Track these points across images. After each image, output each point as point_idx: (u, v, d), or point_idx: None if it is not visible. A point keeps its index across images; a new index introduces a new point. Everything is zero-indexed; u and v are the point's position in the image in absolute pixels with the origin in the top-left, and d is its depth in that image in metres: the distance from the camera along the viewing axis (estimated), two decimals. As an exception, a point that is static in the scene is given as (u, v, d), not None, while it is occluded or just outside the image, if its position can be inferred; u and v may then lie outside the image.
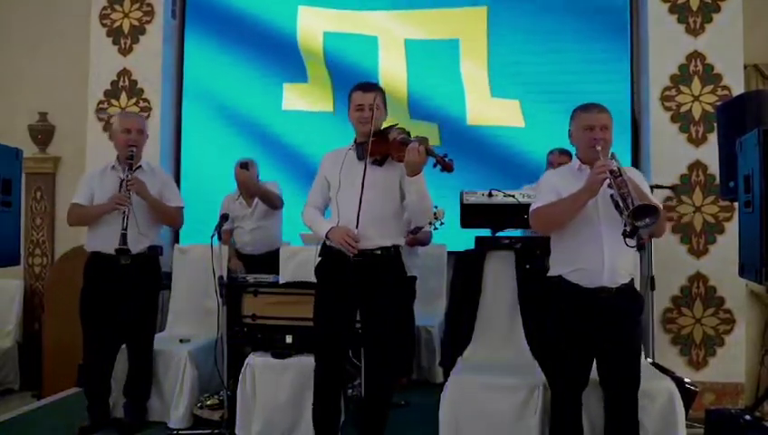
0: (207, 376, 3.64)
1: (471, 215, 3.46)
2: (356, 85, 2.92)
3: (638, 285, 3.23)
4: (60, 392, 4.16)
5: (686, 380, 3.14)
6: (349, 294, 2.82)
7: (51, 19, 5.42)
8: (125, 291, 3.36)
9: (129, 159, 3.37)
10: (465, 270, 3.41)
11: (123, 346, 3.49)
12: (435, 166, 2.63)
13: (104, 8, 4.98)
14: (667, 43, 4.37)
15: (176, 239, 4.91)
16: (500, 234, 3.48)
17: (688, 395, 2.99)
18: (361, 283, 2.79)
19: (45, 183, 5.40)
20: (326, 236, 2.82)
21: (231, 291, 3.43)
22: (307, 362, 3.04)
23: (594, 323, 2.57)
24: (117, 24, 4.96)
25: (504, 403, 2.84)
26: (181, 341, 3.76)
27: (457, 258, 3.69)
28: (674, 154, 4.31)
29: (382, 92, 2.91)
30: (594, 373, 2.66)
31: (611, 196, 2.47)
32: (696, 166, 4.28)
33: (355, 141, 2.90)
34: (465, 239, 3.71)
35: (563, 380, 2.67)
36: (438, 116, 4.99)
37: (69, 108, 5.23)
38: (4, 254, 2.84)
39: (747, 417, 2.83)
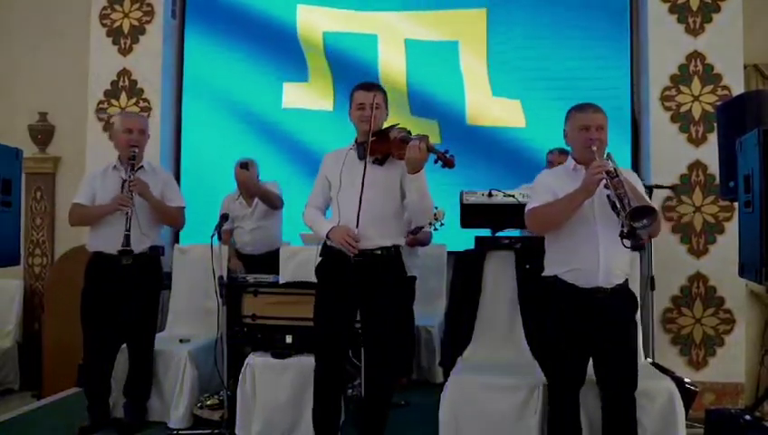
0: (207, 376, 3.64)
1: (471, 215, 3.46)
2: (357, 85, 2.93)
3: (637, 285, 3.25)
4: (60, 392, 4.16)
5: (686, 380, 3.13)
6: (349, 294, 2.82)
7: (51, 19, 5.42)
8: (127, 291, 3.36)
9: (131, 159, 3.37)
10: (465, 270, 3.41)
11: (123, 346, 3.49)
12: (436, 162, 2.64)
13: (104, 8, 4.98)
14: (667, 43, 4.37)
15: (176, 239, 4.91)
16: (500, 234, 3.48)
17: (688, 395, 2.99)
18: (361, 283, 2.79)
19: (45, 183, 5.40)
20: (327, 236, 2.83)
21: (231, 291, 3.43)
22: (307, 362, 3.04)
23: (590, 323, 2.58)
24: (117, 23, 4.96)
25: (504, 403, 2.84)
26: (181, 341, 3.76)
27: (457, 258, 3.69)
28: (674, 154, 4.31)
29: (383, 92, 2.92)
30: (591, 373, 2.66)
31: (608, 196, 2.47)
32: (696, 166, 4.28)
33: (356, 141, 2.91)
34: (465, 239, 3.71)
35: (561, 379, 2.67)
36: (439, 113, 4.99)
37: (69, 108, 5.23)
38: (4, 254, 2.84)
39: (747, 417, 2.82)
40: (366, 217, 2.74)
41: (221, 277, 3.29)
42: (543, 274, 2.73)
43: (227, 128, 5.22)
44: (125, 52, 4.96)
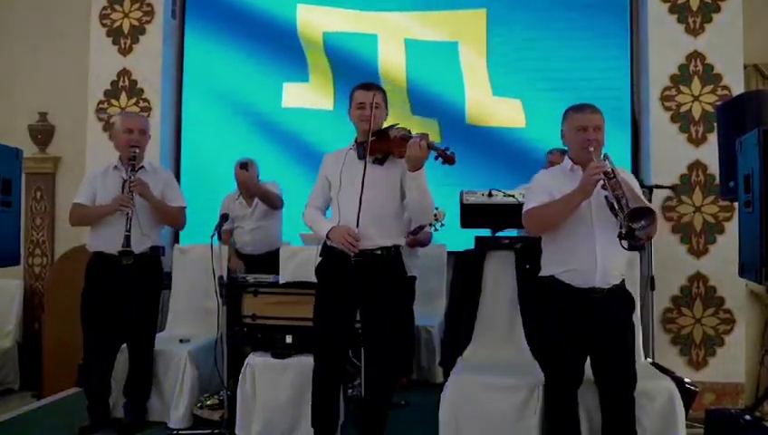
0: (207, 376, 3.64)
1: (471, 215, 3.46)
2: (357, 85, 2.94)
3: (637, 285, 3.25)
4: (60, 392, 4.16)
5: (686, 380, 3.13)
6: (349, 294, 2.82)
7: (51, 19, 5.42)
8: (127, 291, 3.36)
9: (132, 159, 3.36)
10: (465, 270, 3.41)
11: (123, 346, 3.49)
12: (436, 159, 2.65)
13: (104, 8, 4.97)
14: (667, 43, 4.37)
15: (176, 239, 4.91)
16: (500, 234, 3.48)
17: (688, 395, 2.99)
18: (361, 283, 2.80)
19: (45, 183, 5.40)
20: (327, 236, 2.83)
21: (231, 291, 3.42)
22: (307, 362, 3.04)
23: (587, 323, 2.58)
24: (117, 24, 4.96)
25: (504, 403, 2.84)
26: (181, 341, 3.76)
27: (457, 258, 3.69)
28: (674, 154, 4.31)
29: (383, 92, 2.92)
30: (589, 372, 2.66)
31: (606, 197, 2.47)
32: (696, 166, 4.28)
33: (356, 141, 2.91)
34: (465, 239, 3.71)
35: (560, 378, 2.67)
36: (439, 112, 5.00)
37: (69, 108, 5.23)
38: (4, 254, 2.84)
39: (747, 417, 2.82)
40: (366, 216, 2.74)
41: (221, 277, 3.29)
42: (540, 274, 2.73)
43: (227, 128, 5.22)
44: (125, 52, 4.96)
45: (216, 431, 3.31)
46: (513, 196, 3.37)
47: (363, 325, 2.87)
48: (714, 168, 4.09)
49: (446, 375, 3.13)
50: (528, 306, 3.20)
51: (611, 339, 2.59)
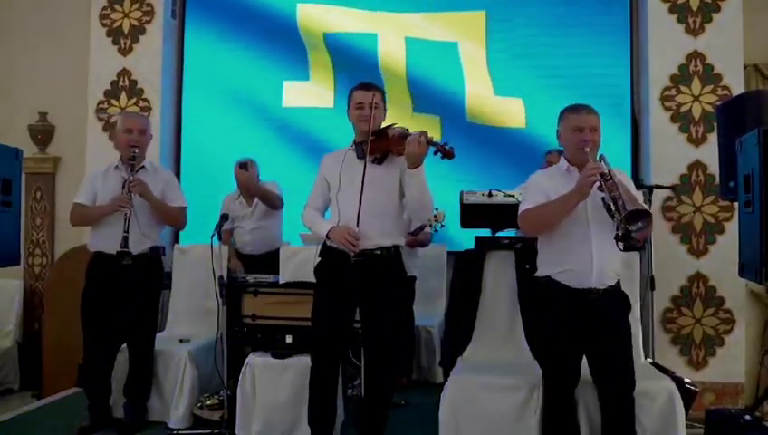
0: (207, 376, 3.64)
1: (471, 215, 3.46)
2: (356, 85, 2.94)
3: (637, 285, 3.25)
4: (60, 392, 4.16)
5: (686, 380, 3.13)
6: (348, 294, 2.82)
7: (51, 19, 5.42)
8: (127, 291, 3.36)
9: (132, 159, 3.36)
10: (465, 270, 3.41)
11: (123, 346, 3.48)
12: (435, 153, 2.66)
13: (104, 8, 4.97)
14: (667, 43, 4.37)
15: (176, 239, 4.91)
16: (500, 234, 3.48)
17: (688, 395, 2.99)
18: (361, 283, 2.80)
19: (45, 183, 5.40)
20: (327, 236, 2.83)
21: (231, 291, 3.42)
22: (307, 362, 3.02)
23: (583, 324, 2.58)
24: (117, 24, 4.96)
25: (504, 403, 2.84)
26: (181, 341, 3.76)
27: (457, 258, 3.69)
28: (674, 154, 4.31)
29: (382, 92, 2.93)
30: (587, 372, 2.66)
31: (602, 199, 2.47)
32: (696, 166, 4.28)
33: (354, 141, 2.91)
34: (464, 239, 3.71)
35: (561, 378, 2.67)
36: (441, 109, 5.00)
37: (69, 108, 5.23)
38: (4, 254, 2.84)
39: (747, 417, 2.82)
40: (366, 216, 2.74)
41: (221, 277, 3.29)
42: (536, 274, 2.74)
43: (227, 127, 5.21)
44: (125, 52, 4.96)
45: (215, 431, 3.31)
46: (513, 196, 3.37)
47: (363, 325, 2.87)
48: (714, 168, 4.09)
49: (446, 375, 3.13)
50: (528, 306, 3.20)
51: (609, 339, 2.59)
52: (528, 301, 3.19)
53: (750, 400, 3.98)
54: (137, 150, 3.38)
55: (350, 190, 2.79)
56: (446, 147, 2.63)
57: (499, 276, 3.32)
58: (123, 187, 3.34)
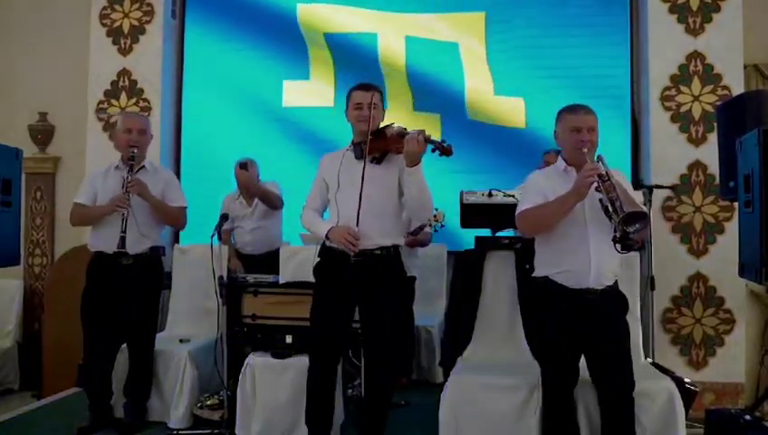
0: (207, 376, 3.64)
1: (471, 215, 3.46)
2: (355, 85, 2.95)
3: (637, 285, 3.25)
4: (60, 392, 4.16)
5: (686, 380, 3.13)
6: (348, 294, 2.82)
7: (51, 19, 5.41)
8: (127, 291, 3.36)
9: (131, 159, 3.36)
10: (465, 270, 3.41)
11: (123, 346, 3.48)
12: (434, 151, 2.67)
13: (104, 8, 4.98)
14: (667, 43, 4.37)
15: (176, 239, 4.91)
16: (500, 234, 3.48)
17: (688, 395, 2.99)
18: (361, 283, 2.80)
19: (45, 183, 5.40)
20: (326, 237, 2.83)
21: (231, 291, 3.42)
22: (307, 362, 3.03)
23: (581, 324, 2.58)
24: (117, 23, 4.97)
25: (504, 403, 2.85)
26: (181, 341, 3.76)
27: (457, 258, 3.69)
28: (674, 154, 4.31)
29: (380, 92, 2.93)
30: (586, 372, 2.66)
31: (600, 200, 2.47)
32: (696, 166, 4.28)
33: (352, 142, 2.91)
34: (464, 239, 3.71)
35: (560, 377, 2.67)
36: (441, 107, 5.01)
37: (69, 108, 5.23)
38: (4, 254, 2.84)
39: (747, 417, 2.82)
40: (366, 215, 2.74)
41: (221, 277, 3.29)
42: (534, 274, 2.74)
43: (227, 127, 5.21)
44: (125, 52, 4.96)
45: (215, 431, 3.31)
46: (513, 196, 3.37)
47: (363, 325, 2.87)
48: (714, 168, 4.09)
49: (446, 375, 3.13)
50: (528, 306, 3.20)
51: (608, 339, 2.59)
52: (528, 301, 3.19)
53: (750, 400, 3.99)
54: (136, 150, 3.38)
55: (349, 190, 2.79)
56: (444, 144, 2.64)
57: (499, 276, 3.32)
58: (123, 187, 3.34)
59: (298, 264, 3.66)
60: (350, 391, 3.51)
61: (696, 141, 4.30)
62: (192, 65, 5.27)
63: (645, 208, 2.59)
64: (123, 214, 3.26)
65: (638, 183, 4.27)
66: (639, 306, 3.30)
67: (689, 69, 4.33)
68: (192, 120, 5.26)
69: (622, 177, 2.69)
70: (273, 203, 4.33)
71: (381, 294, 2.81)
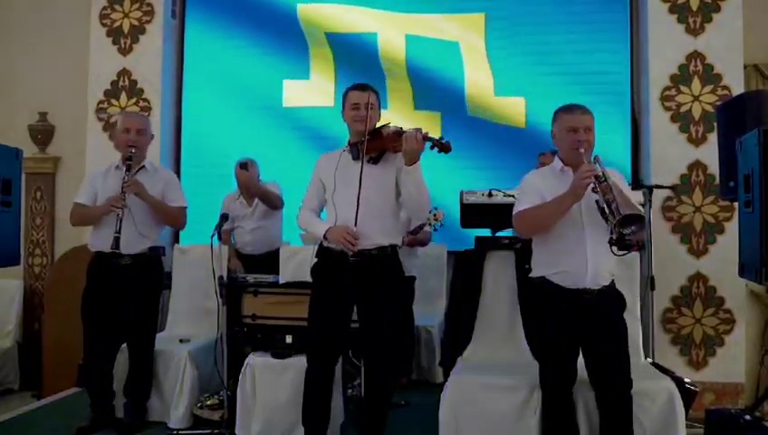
0: (207, 376, 3.64)
1: (471, 215, 3.46)
2: (351, 86, 2.95)
3: (637, 285, 3.25)
4: (60, 392, 4.16)
5: (686, 380, 3.13)
6: (346, 294, 2.82)
7: (51, 19, 5.42)
8: (127, 291, 3.36)
9: (128, 159, 3.36)
10: (465, 270, 3.41)
11: (123, 346, 3.48)
12: (432, 148, 2.67)
13: (104, 8, 4.98)
14: (667, 43, 4.37)
15: (176, 239, 4.91)
16: (500, 234, 3.48)
17: (688, 395, 2.99)
18: (359, 283, 2.80)
19: (45, 183, 5.40)
20: (324, 237, 2.83)
21: (231, 291, 3.42)
22: (307, 362, 3.04)
23: (578, 324, 2.58)
24: (117, 23, 4.97)
25: (504, 403, 2.84)
26: (181, 341, 3.76)
27: (457, 258, 3.69)
28: (674, 154, 4.31)
29: (376, 93, 2.93)
30: (584, 372, 2.66)
31: (596, 201, 2.47)
32: (696, 166, 4.28)
33: (349, 142, 2.92)
34: (465, 239, 3.71)
35: (560, 377, 2.67)
36: (441, 105, 5.01)
37: (69, 108, 5.23)
38: (4, 254, 2.83)
39: (747, 417, 2.82)
40: (364, 215, 2.74)
41: (221, 277, 3.29)
42: (531, 275, 2.74)
43: (227, 127, 5.22)
44: (125, 52, 4.97)
45: (215, 431, 3.31)
46: (513, 196, 3.36)
47: (362, 326, 2.86)
48: (714, 168, 4.09)
49: (446, 375, 3.13)
50: (528, 306, 3.20)
51: (606, 339, 2.59)
52: (528, 301, 3.19)
53: (750, 400, 3.99)
54: (134, 150, 3.38)
55: (346, 191, 2.79)
56: (443, 141, 2.65)
57: (499, 276, 3.32)
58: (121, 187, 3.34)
59: (298, 264, 3.67)
60: (350, 391, 3.51)
61: (696, 141, 4.30)
62: (192, 65, 5.27)
63: (642, 210, 2.57)
64: (118, 214, 3.25)
65: (637, 183, 4.28)
66: (639, 306, 3.30)
67: (689, 69, 4.33)
68: (192, 120, 5.26)
69: (619, 177, 2.68)
70: (273, 203, 4.33)
71: (379, 294, 2.81)
